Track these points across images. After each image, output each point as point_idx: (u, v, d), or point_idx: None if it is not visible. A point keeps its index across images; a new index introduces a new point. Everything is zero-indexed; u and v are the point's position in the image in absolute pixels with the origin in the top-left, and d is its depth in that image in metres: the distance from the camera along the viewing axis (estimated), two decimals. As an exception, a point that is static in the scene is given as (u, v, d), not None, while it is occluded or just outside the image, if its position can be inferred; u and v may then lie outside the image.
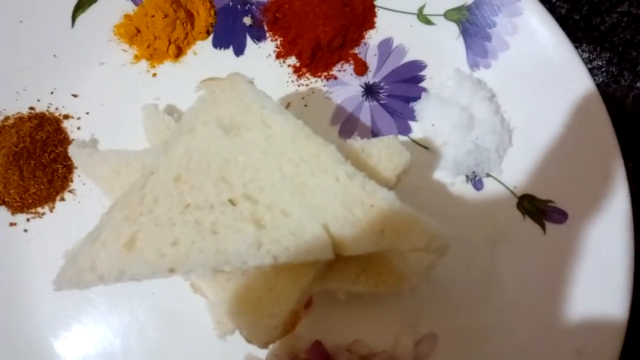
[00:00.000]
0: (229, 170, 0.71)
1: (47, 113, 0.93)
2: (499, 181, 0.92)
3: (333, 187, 0.70)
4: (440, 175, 0.93)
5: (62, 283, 0.67)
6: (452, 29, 0.98)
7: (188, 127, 0.73)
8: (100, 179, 0.81)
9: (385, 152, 0.79)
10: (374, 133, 0.95)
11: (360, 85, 0.97)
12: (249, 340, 0.70)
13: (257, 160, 0.72)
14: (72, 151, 0.85)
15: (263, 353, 0.84)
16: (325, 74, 0.97)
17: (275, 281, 0.70)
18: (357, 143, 0.80)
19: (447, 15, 0.98)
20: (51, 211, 0.91)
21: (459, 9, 0.97)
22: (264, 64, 0.98)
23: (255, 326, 0.68)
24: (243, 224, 0.68)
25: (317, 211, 0.69)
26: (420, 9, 0.98)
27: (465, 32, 0.97)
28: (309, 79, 0.97)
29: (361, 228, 0.69)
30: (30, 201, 0.89)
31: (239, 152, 0.72)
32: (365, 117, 0.96)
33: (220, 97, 0.75)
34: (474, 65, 0.96)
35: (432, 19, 0.98)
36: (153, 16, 0.93)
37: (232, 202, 0.70)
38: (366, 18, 0.98)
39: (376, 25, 0.99)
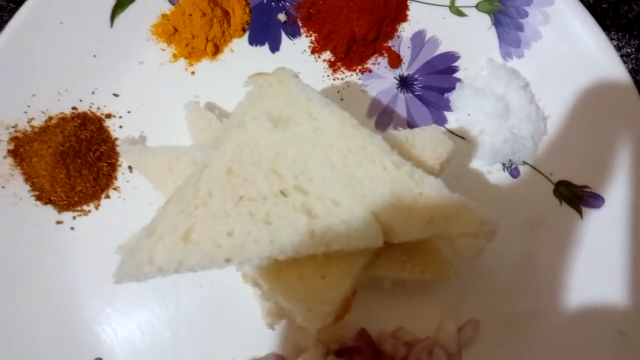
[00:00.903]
0: (280, 162, 0.73)
1: (89, 112, 0.95)
2: (536, 168, 0.94)
3: (381, 176, 0.72)
4: (478, 164, 0.95)
5: (122, 276, 0.69)
6: (484, 19, 0.99)
7: (238, 121, 0.75)
8: (151, 175, 0.83)
9: (429, 141, 0.81)
10: (410, 124, 0.96)
11: (395, 78, 0.99)
12: (302, 327, 0.72)
13: (306, 152, 0.74)
14: (123, 148, 0.87)
15: (309, 342, 0.85)
16: (360, 67, 0.99)
17: (326, 269, 0.72)
18: (399, 133, 0.82)
19: (479, 6, 0.99)
20: (97, 209, 0.92)
21: (490, 0, 0.99)
22: (299, 60, 0.99)
23: (309, 313, 0.70)
24: (295, 214, 0.70)
25: (366, 200, 0.71)
26: (452, 1, 1.00)
27: (497, 23, 0.99)
28: (344, 72, 0.99)
29: (411, 215, 0.70)
30: (76, 199, 0.91)
31: (288, 144, 0.74)
32: (400, 109, 0.97)
33: (267, 92, 0.77)
34: (506, 55, 0.98)
35: (464, 10, 1.00)
36: (190, 15, 0.95)
37: (283, 194, 0.72)
38: (399, 11, 0.99)
39: (409, 18, 1.01)
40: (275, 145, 0.74)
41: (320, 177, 0.72)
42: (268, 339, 0.86)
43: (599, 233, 0.89)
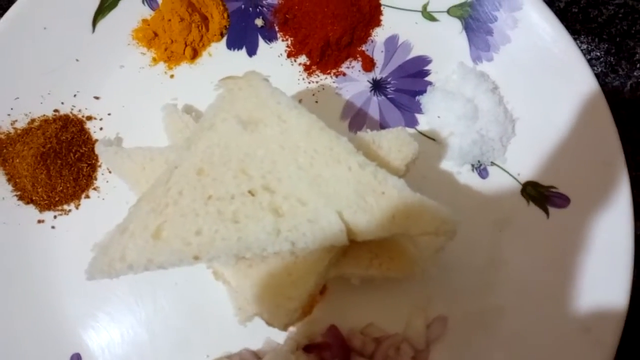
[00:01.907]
0: (248, 163, 0.75)
1: (71, 115, 0.98)
2: (504, 169, 0.96)
3: (346, 176, 0.74)
4: (447, 165, 0.97)
5: (94, 273, 0.72)
6: (455, 24, 1.02)
7: (209, 123, 0.78)
8: (126, 175, 0.86)
9: (395, 142, 0.83)
10: (383, 126, 0.99)
11: (368, 81, 1.01)
12: (269, 324, 0.74)
13: (274, 153, 0.76)
14: (99, 149, 0.90)
15: (282, 338, 0.88)
16: (334, 71, 1.01)
17: (293, 267, 0.74)
18: (367, 135, 0.84)
19: (450, 11, 1.02)
20: (77, 208, 0.95)
21: (461, 5, 1.01)
22: (275, 63, 1.02)
23: (275, 309, 0.72)
24: (262, 213, 0.73)
25: (331, 199, 0.73)
26: (424, 6, 1.02)
27: (467, 27, 1.01)
28: (319, 76, 1.01)
29: (373, 214, 0.73)
30: (57, 199, 0.94)
31: (257, 146, 0.76)
32: (373, 112, 1.00)
33: (238, 95, 0.79)
34: (477, 59, 1.00)
35: (435, 15, 1.02)
36: (170, 20, 0.98)
37: (251, 193, 0.74)
38: (372, 16, 1.02)
39: (382, 22, 1.03)
40: (245, 146, 0.76)
41: (288, 177, 0.75)
42: (241, 335, 0.87)
43: (565, 232, 0.91)
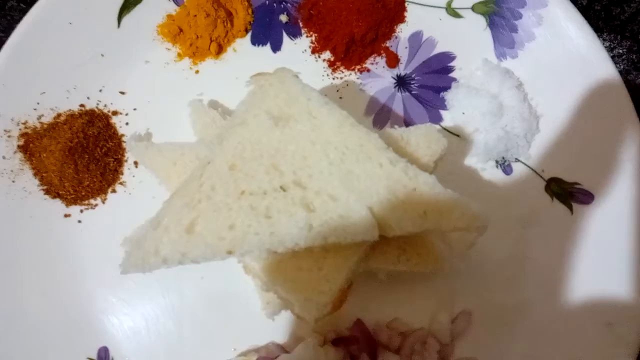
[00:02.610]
0: (280, 158, 0.76)
1: (96, 110, 0.98)
2: (528, 166, 0.97)
3: (377, 172, 0.75)
4: (472, 161, 0.98)
5: (128, 267, 0.73)
6: (480, 21, 1.02)
7: (240, 119, 0.78)
8: (157, 170, 0.87)
9: (423, 139, 0.84)
10: (407, 123, 0.99)
11: (393, 77, 1.02)
12: (300, 317, 0.75)
13: (305, 149, 0.77)
14: (130, 145, 0.91)
15: (308, 332, 0.88)
16: (358, 67, 1.02)
17: (324, 261, 0.75)
18: (395, 131, 0.85)
19: (475, 8, 1.02)
20: (103, 202, 0.96)
21: (486, 2, 1.01)
22: (300, 59, 1.02)
23: (306, 303, 0.73)
24: (294, 208, 0.73)
25: (362, 195, 0.74)
26: (449, 3, 1.02)
27: (492, 24, 1.01)
28: (343, 72, 1.02)
29: (405, 210, 0.74)
30: (83, 193, 0.95)
31: (288, 141, 0.77)
32: (397, 108, 1.00)
33: (268, 91, 0.80)
34: (501, 56, 1.01)
35: (460, 12, 1.02)
36: (195, 16, 0.98)
37: (283, 188, 0.75)
38: (397, 12, 1.02)
39: (406, 19, 1.03)
40: (276, 142, 0.77)
41: (319, 172, 0.76)
42: (268, 329, 0.89)
43: (589, 228, 0.92)
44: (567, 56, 0.97)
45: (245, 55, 1.02)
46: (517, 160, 0.97)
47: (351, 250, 0.75)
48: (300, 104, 0.79)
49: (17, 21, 0.96)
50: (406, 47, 1.03)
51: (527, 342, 0.89)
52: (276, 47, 1.03)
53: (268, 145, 0.77)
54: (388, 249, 0.82)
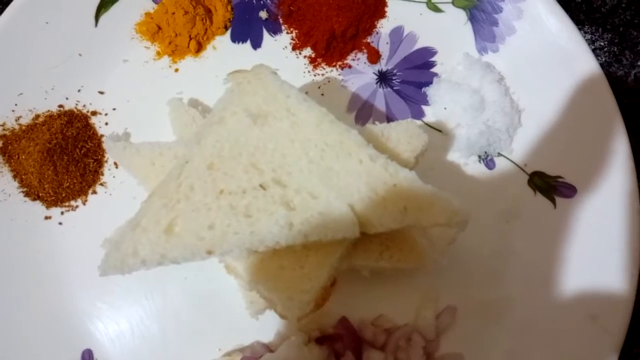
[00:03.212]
0: (259, 157, 0.76)
1: (75, 110, 0.97)
2: (510, 160, 0.97)
3: (357, 169, 0.75)
4: (454, 156, 0.97)
5: (107, 269, 0.72)
6: (460, 15, 1.02)
7: (218, 117, 0.78)
8: (135, 170, 0.86)
9: (404, 135, 0.83)
10: (389, 118, 0.99)
11: (374, 73, 1.01)
12: (283, 316, 0.75)
13: (284, 146, 0.76)
14: (107, 145, 0.90)
15: (293, 330, 0.88)
16: (340, 63, 1.01)
17: (305, 260, 0.75)
18: (376, 127, 0.84)
19: (455, 2, 1.01)
20: (84, 204, 0.95)
21: (466, -4, 1.01)
22: (280, 56, 1.01)
23: (288, 302, 0.72)
24: (274, 206, 0.73)
25: (343, 192, 0.74)
26: (429, -3, 1.02)
27: (473, 18, 1.01)
28: (324, 68, 1.01)
29: (385, 206, 0.73)
30: (64, 195, 0.94)
31: (267, 139, 0.76)
32: (380, 104, 1.00)
33: (246, 88, 0.79)
34: (482, 50, 1.00)
35: (440, 6, 1.02)
36: (173, 13, 0.97)
37: (262, 187, 0.74)
38: (377, 8, 1.01)
39: (387, 14, 1.03)
40: (255, 140, 0.77)
41: (298, 170, 0.75)
42: (252, 328, 0.88)
43: (572, 222, 0.92)
44: (548, 49, 0.97)
45: (225, 53, 1.02)
46: (499, 154, 0.97)
47: (333, 247, 0.75)
48: (279, 101, 0.78)
49: (-7, 21, 0.95)
50: (387, 43, 1.02)
51: (512, 336, 0.89)
52: (256, 44, 1.02)
53: (247, 143, 0.76)
54: (370, 246, 0.81)
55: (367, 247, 0.81)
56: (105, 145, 0.93)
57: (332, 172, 0.75)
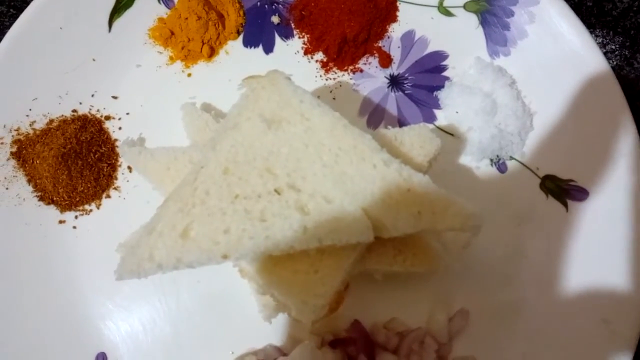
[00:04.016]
0: (273, 161, 0.76)
1: (89, 115, 0.98)
2: (522, 163, 0.97)
3: (371, 173, 0.75)
4: (466, 159, 0.98)
5: (123, 273, 0.72)
6: (472, 19, 1.02)
7: (233, 123, 0.78)
8: (150, 175, 0.86)
9: (417, 139, 0.83)
10: (401, 122, 0.99)
11: (386, 77, 1.02)
12: (297, 320, 0.75)
13: (298, 151, 0.76)
14: (122, 150, 0.90)
15: (305, 334, 0.88)
16: (351, 67, 1.02)
17: (319, 264, 0.75)
18: (389, 132, 0.85)
19: (467, 6, 1.02)
20: (98, 208, 0.95)
21: (477, 0, 1.01)
22: (292, 61, 1.02)
23: (303, 306, 0.72)
24: (289, 211, 0.73)
25: (357, 197, 0.74)
26: (441, 2, 1.02)
27: (484, 22, 1.01)
28: (336, 73, 1.02)
29: (399, 211, 0.73)
30: (78, 199, 0.94)
31: (281, 144, 0.77)
32: (391, 108, 1.00)
33: (261, 94, 0.80)
34: (494, 54, 1.01)
35: (452, 10, 1.03)
36: (186, 18, 0.98)
37: (277, 192, 0.74)
38: (389, 12, 1.02)
39: (398, 18, 1.03)
40: (269, 145, 0.77)
41: (313, 175, 0.75)
42: (265, 332, 0.88)
43: (584, 225, 0.92)
44: (559, 53, 0.97)
45: (237, 58, 1.02)
46: (511, 158, 0.97)
47: (347, 252, 0.75)
48: (293, 107, 0.79)
49: (7, 27, 0.96)
50: (399, 47, 1.02)
51: (524, 339, 0.89)
52: (268, 49, 1.03)
53: (261, 148, 0.77)
54: (384, 250, 0.82)
55: (381, 251, 0.82)
56: (120, 150, 0.93)
57: (346, 177, 0.75)
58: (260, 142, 0.77)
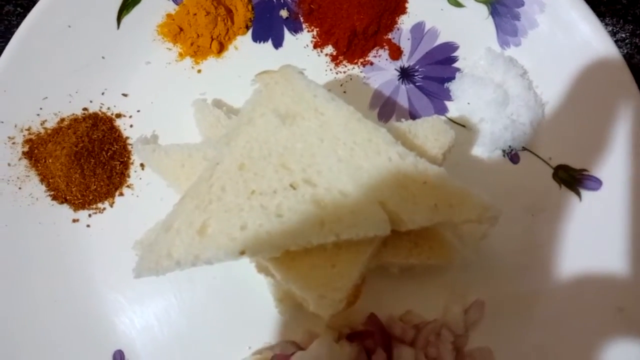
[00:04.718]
0: (288, 156, 0.76)
1: (100, 113, 0.98)
2: (535, 154, 0.97)
3: (387, 167, 0.75)
4: (478, 151, 0.98)
5: (141, 271, 0.72)
6: (482, 10, 1.02)
7: (247, 118, 0.78)
8: (165, 172, 0.86)
9: (431, 131, 0.83)
10: (412, 115, 0.99)
11: (396, 69, 1.02)
12: (315, 314, 0.75)
13: (313, 146, 0.76)
14: (136, 148, 0.90)
15: (321, 328, 0.89)
16: (361, 60, 1.01)
17: (336, 258, 0.75)
18: (403, 125, 0.85)
19: (476, -4, 1.02)
20: (111, 206, 0.95)
21: (487, -9, 1.01)
22: (302, 55, 1.02)
23: (321, 300, 0.72)
24: (305, 206, 0.73)
25: (373, 191, 0.74)
26: (450, -8, 1.02)
27: (494, 12, 1.01)
28: (346, 66, 1.01)
29: (416, 204, 0.73)
30: (91, 197, 0.94)
31: (296, 139, 0.77)
32: (402, 100, 1.00)
33: (274, 89, 0.80)
34: (504, 44, 1.00)
35: (461, 1, 1.02)
36: (195, 14, 0.97)
37: (293, 187, 0.74)
38: (398, 4, 1.01)
39: (408, 10, 1.03)
40: (284, 140, 0.77)
41: (328, 169, 0.75)
42: (282, 326, 0.89)
43: (598, 214, 0.92)
44: (570, 42, 0.97)
45: (246, 53, 1.02)
46: (523, 148, 0.97)
47: (364, 245, 0.75)
48: (307, 101, 0.78)
49: (15, 26, 0.96)
50: (409, 39, 1.02)
51: (539, 330, 0.89)
52: (278, 43, 1.02)
53: (276, 143, 0.76)
54: (400, 243, 0.82)
55: (397, 244, 0.82)
56: (133, 148, 0.93)
57: (361, 171, 0.75)
58: (275, 138, 0.77)
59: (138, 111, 0.99)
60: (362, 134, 0.77)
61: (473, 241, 0.80)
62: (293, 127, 0.77)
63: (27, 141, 0.94)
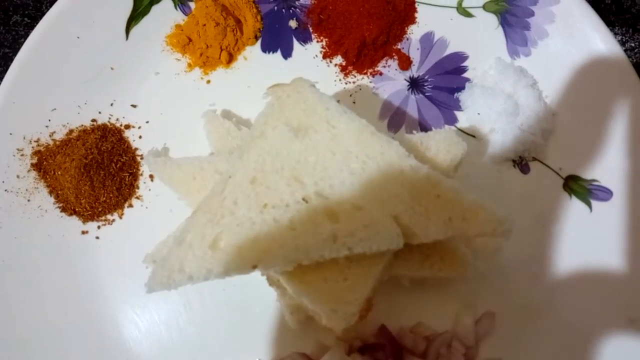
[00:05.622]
0: (301, 170, 0.76)
1: (109, 124, 0.98)
2: (545, 164, 0.96)
3: (399, 180, 0.75)
4: (488, 161, 0.97)
5: (154, 285, 0.72)
6: (491, 19, 1.01)
7: (259, 132, 0.78)
8: (176, 185, 0.86)
9: (443, 143, 0.83)
10: (422, 125, 0.99)
11: (406, 80, 1.01)
12: (328, 327, 0.75)
13: (325, 159, 0.76)
14: (148, 160, 0.90)
15: (331, 341, 0.88)
16: (371, 70, 1.01)
17: (348, 271, 0.75)
18: (415, 137, 0.84)
19: (486, 6, 1.01)
20: (120, 217, 0.95)
21: (497, 1, 1.00)
22: (311, 65, 1.01)
23: (333, 314, 0.72)
24: (318, 219, 0.73)
25: (386, 204, 0.74)
26: (460, 2, 1.02)
27: (504, 22, 1.01)
28: (355, 76, 1.01)
29: (429, 217, 0.73)
30: (100, 209, 0.94)
31: (308, 152, 0.76)
32: (412, 110, 1.00)
33: (286, 102, 0.79)
34: (514, 54, 1.00)
35: (471, 11, 1.02)
36: (204, 25, 0.97)
37: (305, 200, 0.74)
38: (407, 14, 1.01)
39: (417, 20, 1.03)
40: (296, 153, 0.77)
41: (341, 183, 0.75)
42: (292, 339, 0.88)
43: (608, 225, 0.92)
44: (580, 52, 0.96)
45: (256, 63, 1.02)
46: (534, 159, 0.96)
47: (376, 259, 0.75)
48: (319, 114, 0.78)
49: (22, 36, 0.96)
50: (418, 49, 1.02)
51: (551, 340, 0.89)
52: (287, 54, 1.02)
53: (288, 157, 0.76)
54: (412, 256, 0.81)
55: (409, 257, 0.81)
56: (145, 161, 0.93)
57: (374, 184, 0.75)
58: (287, 151, 0.77)
59: (147, 122, 0.99)
60: (375, 147, 0.76)
61: (486, 254, 0.80)
62: (305, 140, 0.77)
63: (36, 153, 0.93)
